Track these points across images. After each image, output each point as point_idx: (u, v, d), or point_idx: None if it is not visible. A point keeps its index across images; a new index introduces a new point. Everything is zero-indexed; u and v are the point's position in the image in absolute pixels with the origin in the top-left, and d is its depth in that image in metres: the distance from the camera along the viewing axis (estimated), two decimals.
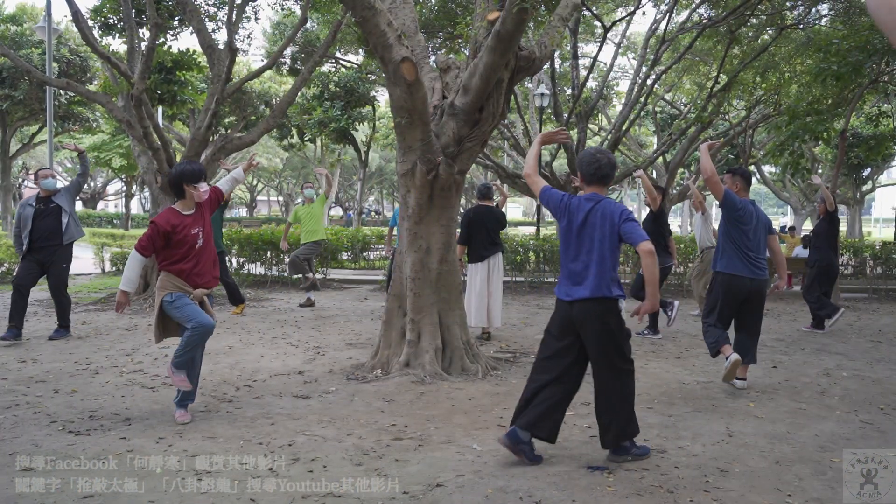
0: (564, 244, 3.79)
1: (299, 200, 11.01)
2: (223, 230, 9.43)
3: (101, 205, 45.87)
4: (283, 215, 51.74)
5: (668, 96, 23.05)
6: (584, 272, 3.66)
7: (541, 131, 16.31)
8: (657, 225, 7.89)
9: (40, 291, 10.95)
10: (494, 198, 7.89)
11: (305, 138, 25.25)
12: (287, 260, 11.00)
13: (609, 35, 15.07)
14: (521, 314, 9.20)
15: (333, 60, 21.63)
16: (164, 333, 4.51)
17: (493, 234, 7.55)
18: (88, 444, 3.97)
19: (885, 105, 17.13)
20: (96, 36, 11.59)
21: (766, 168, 27.93)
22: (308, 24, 16.95)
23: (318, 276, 11.67)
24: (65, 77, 17.43)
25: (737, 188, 5.58)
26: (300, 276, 10.46)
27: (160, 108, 11.79)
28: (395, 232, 8.94)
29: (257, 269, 12.83)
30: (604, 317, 3.64)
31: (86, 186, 39.83)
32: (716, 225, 7.76)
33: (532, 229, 19.97)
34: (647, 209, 8.10)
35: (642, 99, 15.12)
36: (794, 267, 12.18)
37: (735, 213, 5.37)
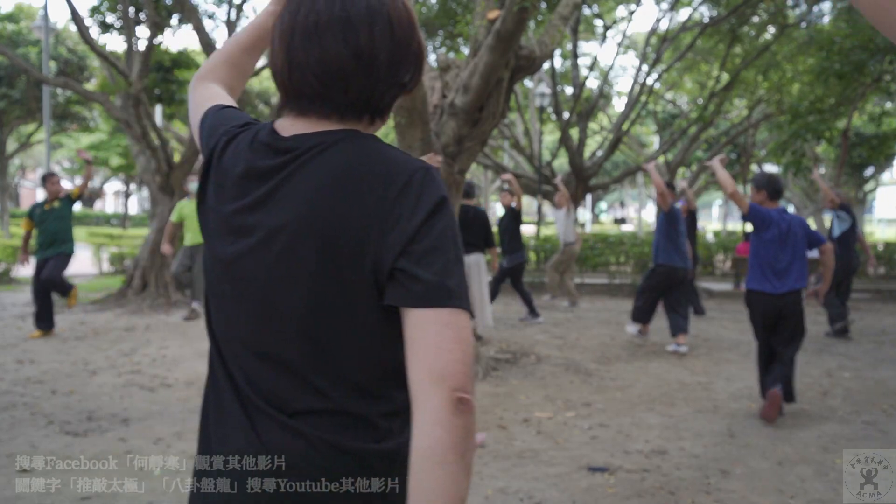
0: (772, 249, 4.70)
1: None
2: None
3: (98, 204, 45.82)
4: None
5: (669, 95, 23.01)
6: (789, 269, 4.68)
7: (541, 130, 16.32)
8: (517, 223, 8.59)
9: None
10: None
11: None
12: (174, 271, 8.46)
13: (609, 34, 15.05)
14: (522, 314, 9.16)
15: None
16: None
17: (468, 235, 7.26)
18: (87, 445, 3.95)
19: (888, 104, 17.07)
20: (94, 35, 11.54)
21: (768, 168, 27.92)
22: None
23: None
24: (62, 76, 17.38)
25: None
26: (193, 307, 8.41)
27: (159, 107, 11.74)
28: None
29: None
30: (800, 303, 4.74)
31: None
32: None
33: (532, 229, 19.95)
34: (504, 209, 8.84)
35: (643, 98, 15.08)
36: None
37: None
